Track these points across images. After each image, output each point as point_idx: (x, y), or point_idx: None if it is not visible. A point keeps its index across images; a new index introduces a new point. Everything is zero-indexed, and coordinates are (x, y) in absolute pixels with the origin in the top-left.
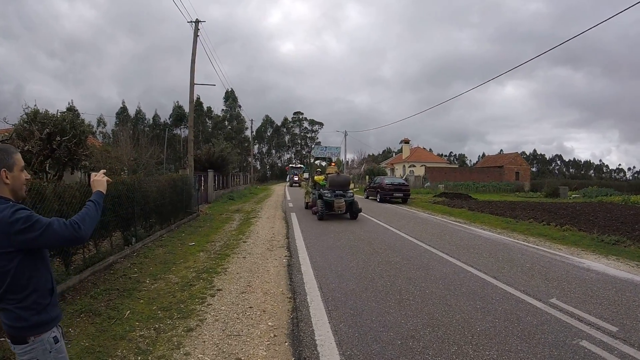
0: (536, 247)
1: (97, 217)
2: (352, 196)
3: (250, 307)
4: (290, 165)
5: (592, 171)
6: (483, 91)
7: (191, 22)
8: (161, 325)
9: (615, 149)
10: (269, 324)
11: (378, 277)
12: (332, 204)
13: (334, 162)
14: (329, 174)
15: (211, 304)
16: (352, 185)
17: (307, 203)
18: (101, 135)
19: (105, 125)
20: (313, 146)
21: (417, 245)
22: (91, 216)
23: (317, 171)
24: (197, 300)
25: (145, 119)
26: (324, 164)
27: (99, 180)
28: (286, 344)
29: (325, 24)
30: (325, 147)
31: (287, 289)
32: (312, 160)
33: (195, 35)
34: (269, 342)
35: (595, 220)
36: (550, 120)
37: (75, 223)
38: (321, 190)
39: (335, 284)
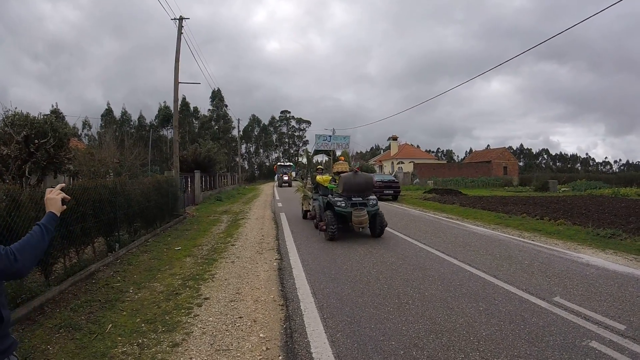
0: (532, 242)
1: (43, 246)
2: (377, 204)
3: (240, 317)
4: (279, 163)
5: (578, 164)
6: (469, 87)
7: (175, 19)
8: (145, 340)
9: (601, 142)
10: (261, 335)
11: (374, 280)
12: (348, 217)
13: (342, 157)
14: (340, 172)
15: (198, 315)
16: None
17: (307, 212)
18: (87, 137)
19: (90, 127)
20: (305, 144)
21: (411, 243)
22: (34, 245)
23: (318, 169)
24: (183, 310)
25: (131, 120)
26: (325, 159)
27: (52, 198)
28: (280, 358)
29: (310, 22)
30: (330, 135)
31: (279, 295)
32: (309, 154)
33: (180, 33)
34: (261, 357)
35: (588, 213)
36: (536, 115)
37: (11, 253)
38: (330, 196)
39: (330, 289)
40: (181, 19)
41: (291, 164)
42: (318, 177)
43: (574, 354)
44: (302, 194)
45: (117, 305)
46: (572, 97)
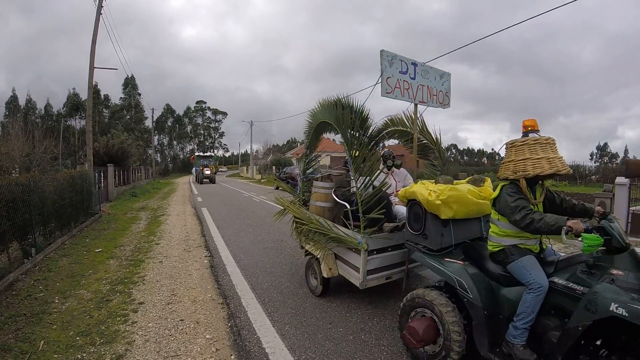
0: None
1: None
2: None
3: (182, 320)
4: (197, 154)
5: (485, 158)
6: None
7: None
8: (84, 355)
9: (506, 139)
10: (207, 336)
11: None
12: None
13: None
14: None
15: (136, 322)
16: (259, 177)
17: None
18: None
19: None
20: (221, 136)
21: None
22: None
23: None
24: (118, 318)
25: (37, 108)
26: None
27: None
28: (232, 357)
29: (228, 10)
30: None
31: (217, 293)
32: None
33: (98, 14)
34: (212, 359)
35: None
36: (445, 112)
37: None
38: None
39: (268, 283)
40: None
41: (212, 154)
42: (417, 187)
43: None
44: (299, 219)
45: (45, 319)
46: (480, 96)
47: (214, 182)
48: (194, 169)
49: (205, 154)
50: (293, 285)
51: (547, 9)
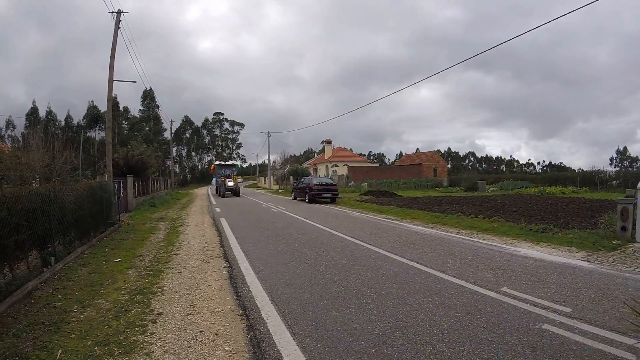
0: (471, 239)
1: None
2: None
3: (201, 331)
4: (218, 163)
5: (503, 166)
6: (398, 93)
7: (112, 12)
8: None
9: (524, 145)
10: (226, 348)
11: (330, 282)
12: None
13: None
14: None
15: (155, 332)
16: (276, 187)
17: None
18: (9, 139)
19: (14, 127)
20: (238, 147)
21: (358, 245)
22: None
23: None
24: (137, 329)
25: (57, 120)
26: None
27: None
28: None
29: (243, 22)
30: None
31: (236, 305)
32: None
33: (117, 27)
34: None
35: (519, 210)
36: (462, 120)
37: None
38: None
39: (288, 295)
40: (119, 12)
41: (236, 163)
42: None
43: (530, 336)
44: None
45: (63, 328)
46: (497, 103)
47: (238, 195)
48: (214, 179)
49: (227, 163)
50: (313, 297)
51: (562, 14)
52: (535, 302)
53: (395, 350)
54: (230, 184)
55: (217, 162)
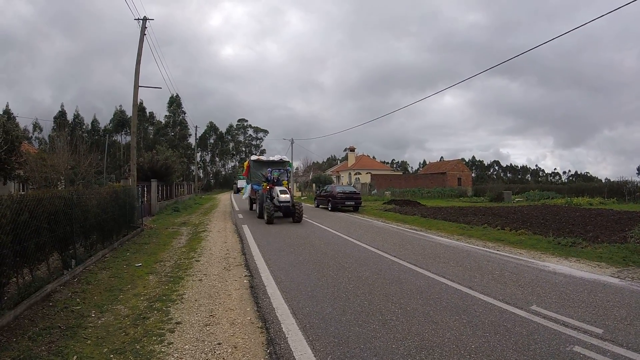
0: (498, 252)
1: None
2: None
3: (219, 344)
4: (256, 158)
5: (528, 175)
6: (422, 100)
7: (138, 19)
8: None
9: (550, 154)
10: None
11: (353, 296)
12: None
13: None
14: None
15: (172, 343)
16: (299, 194)
17: None
18: (37, 141)
19: (41, 130)
20: (262, 153)
21: (382, 257)
22: None
23: None
24: (154, 338)
25: (84, 124)
26: None
27: None
28: None
29: (265, 29)
30: None
31: (256, 316)
32: None
33: (142, 34)
34: None
35: (546, 223)
36: (486, 128)
37: None
38: None
39: (310, 308)
40: (145, 19)
41: (288, 160)
42: None
43: (561, 359)
44: None
45: (80, 333)
46: (522, 110)
47: (300, 220)
48: (247, 186)
49: (273, 158)
50: (336, 312)
51: (585, 17)
52: (566, 322)
53: None
54: (283, 196)
55: (254, 158)
